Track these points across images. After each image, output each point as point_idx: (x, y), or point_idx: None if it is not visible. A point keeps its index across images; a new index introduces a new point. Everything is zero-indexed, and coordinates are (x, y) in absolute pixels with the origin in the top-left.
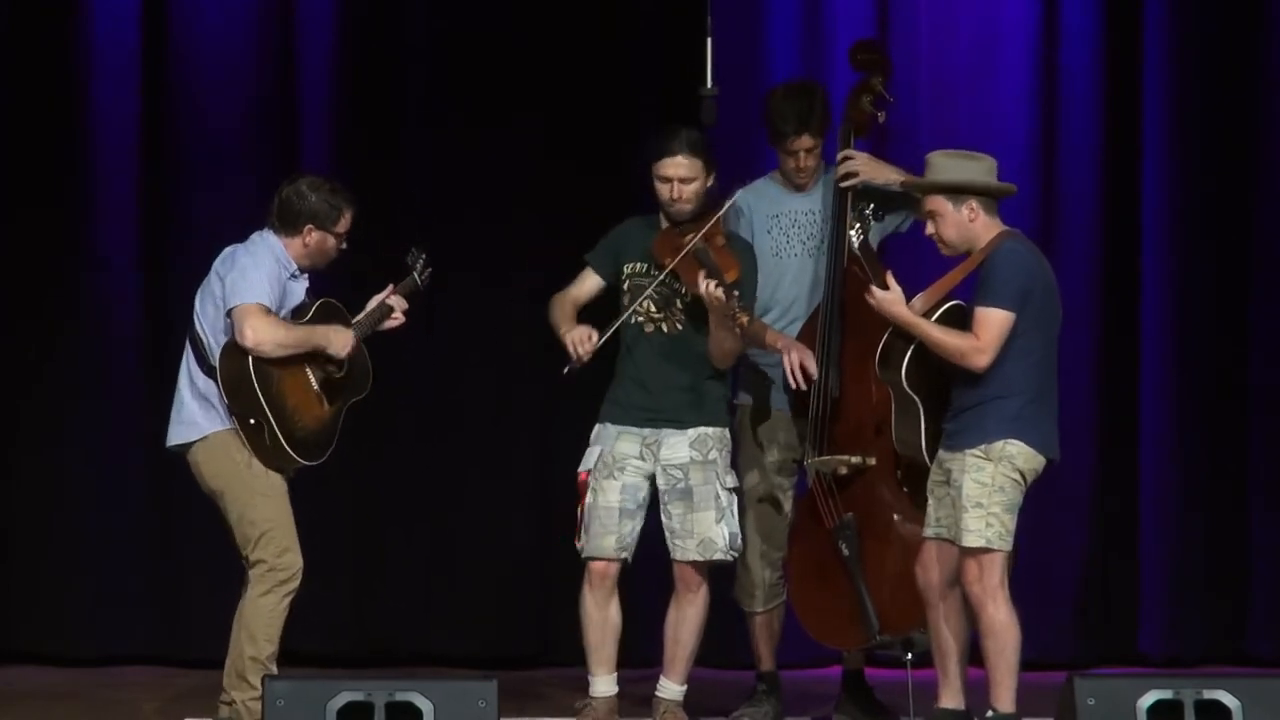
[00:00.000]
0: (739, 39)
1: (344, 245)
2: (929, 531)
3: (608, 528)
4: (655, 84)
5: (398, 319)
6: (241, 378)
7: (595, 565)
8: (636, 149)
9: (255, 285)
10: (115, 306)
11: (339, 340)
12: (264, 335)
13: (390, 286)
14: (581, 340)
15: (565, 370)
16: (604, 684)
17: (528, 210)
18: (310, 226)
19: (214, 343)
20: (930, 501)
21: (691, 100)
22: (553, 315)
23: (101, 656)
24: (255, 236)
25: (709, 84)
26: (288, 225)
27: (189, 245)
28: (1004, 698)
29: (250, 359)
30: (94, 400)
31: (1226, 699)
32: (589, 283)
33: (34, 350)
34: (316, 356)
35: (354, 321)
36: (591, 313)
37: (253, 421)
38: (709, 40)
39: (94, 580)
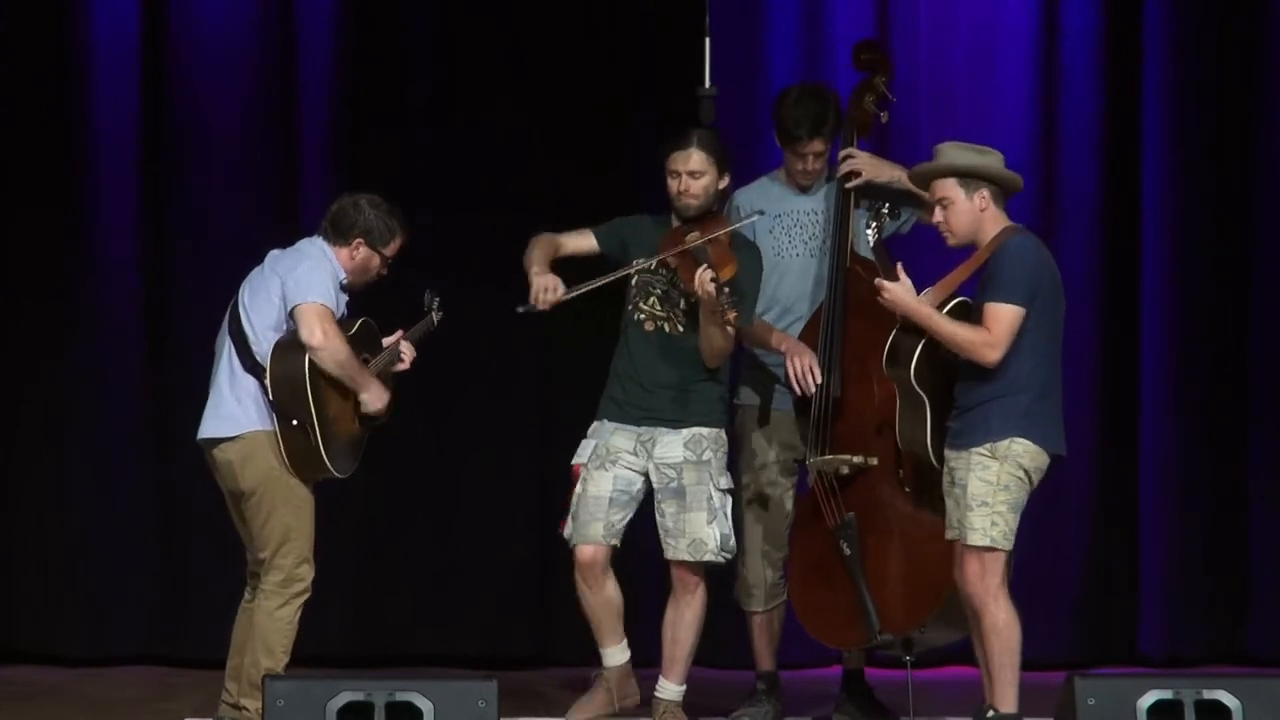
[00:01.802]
0: (739, 39)
1: (384, 271)
2: (950, 534)
3: (595, 515)
4: (655, 84)
5: (404, 365)
6: (295, 377)
7: (582, 551)
8: (636, 149)
9: (321, 286)
10: (115, 306)
11: (375, 396)
12: (331, 344)
13: (400, 332)
14: (547, 288)
15: (520, 309)
16: (614, 654)
17: (527, 210)
18: (360, 241)
19: (263, 340)
20: (948, 503)
21: (690, 100)
22: (530, 250)
23: (101, 656)
24: (304, 242)
25: (708, 84)
26: (340, 235)
27: (189, 245)
28: (1006, 697)
29: (306, 360)
30: (94, 400)
31: (1226, 699)
32: (582, 240)
33: (34, 350)
34: None
35: (384, 349)
36: (595, 309)
37: (295, 422)
38: (708, 40)
39: (94, 580)
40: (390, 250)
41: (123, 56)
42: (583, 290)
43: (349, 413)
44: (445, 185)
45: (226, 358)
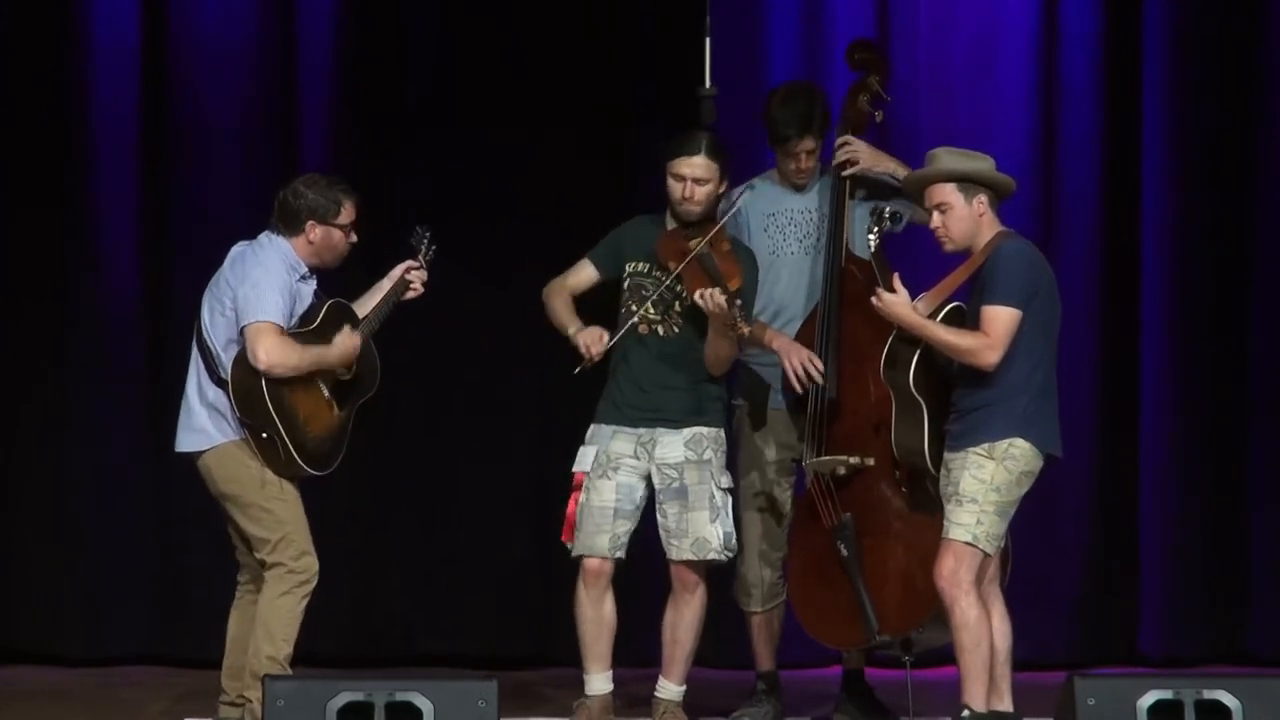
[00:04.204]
0: (739, 39)
1: (353, 237)
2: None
3: (601, 527)
4: (655, 84)
5: (417, 290)
6: (253, 391)
7: (589, 563)
8: (636, 149)
9: (267, 301)
10: (115, 306)
11: (345, 354)
12: (277, 358)
13: (405, 263)
14: (594, 341)
15: (577, 370)
16: (599, 683)
17: (527, 210)
18: (312, 223)
19: (224, 355)
20: (946, 505)
21: (691, 100)
22: (552, 306)
23: (101, 656)
24: (264, 239)
25: (708, 84)
26: (290, 225)
27: (189, 245)
28: (975, 694)
29: (263, 376)
30: (94, 400)
31: (1226, 699)
32: (585, 274)
33: (34, 350)
34: None
35: (364, 317)
36: (588, 307)
37: (265, 435)
38: (708, 40)
39: (94, 580)
40: (345, 218)
41: (123, 56)
42: (625, 329)
43: (323, 406)
44: (445, 185)
45: (194, 369)
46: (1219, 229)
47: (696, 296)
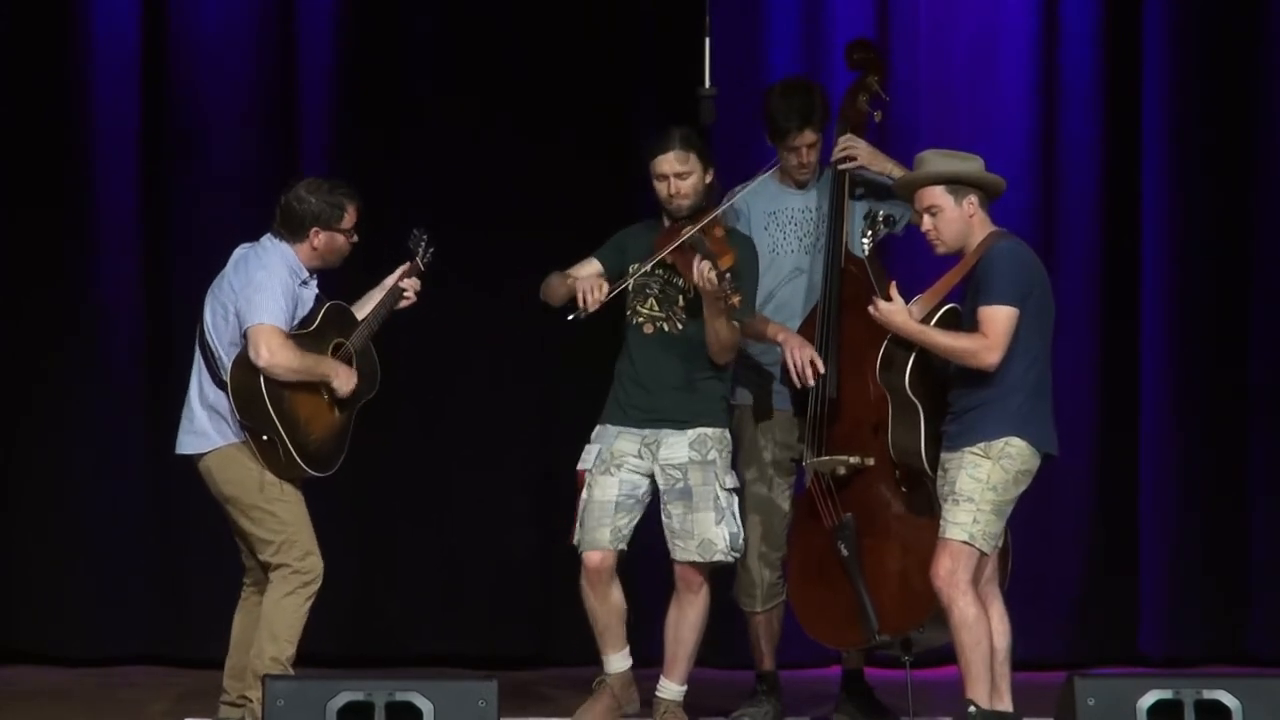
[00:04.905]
0: (739, 39)
1: (354, 239)
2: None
3: (602, 521)
4: (655, 84)
5: (409, 299)
6: (253, 392)
7: (590, 558)
8: (636, 149)
9: (270, 304)
10: (115, 306)
11: (344, 379)
12: (279, 359)
13: (399, 270)
14: (593, 288)
15: (570, 317)
16: (616, 661)
17: (527, 210)
18: (316, 229)
19: (225, 357)
20: (943, 505)
21: (691, 100)
22: (549, 285)
23: (101, 656)
24: (267, 242)
25: (708, 84)
26: (293, 231)
27: (189, 245)
28: (978, 691)
29: (263, 376)
30: (94, 401)
31: (1226, 699)
32: (589, 269)
33: (34, 350)
34: None
35: (362, 320)
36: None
37: (265, 438)
38: (708, 40)
39: (94, 580)
40: (348, 222)
41: (123, 57)
42: (622, 286)
43: (324, 407)
44: (445, 185)
45: (196, 372)
46: (1219, 229)
47: (694, 272)
